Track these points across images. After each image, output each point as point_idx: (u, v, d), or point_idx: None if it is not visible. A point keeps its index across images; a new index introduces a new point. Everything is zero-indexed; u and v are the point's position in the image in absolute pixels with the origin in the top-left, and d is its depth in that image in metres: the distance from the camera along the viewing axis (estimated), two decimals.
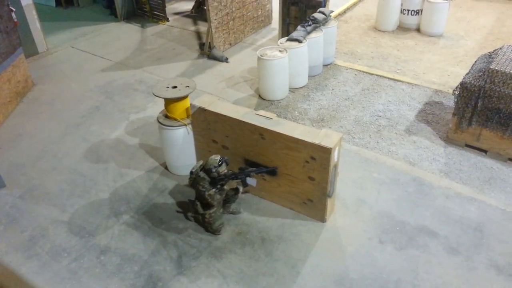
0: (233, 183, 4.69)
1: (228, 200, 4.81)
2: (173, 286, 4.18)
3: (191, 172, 4.62)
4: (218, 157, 4.49)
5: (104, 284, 4.24)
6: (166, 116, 5.29)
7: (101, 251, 4.59)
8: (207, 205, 4.60)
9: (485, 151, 5.74)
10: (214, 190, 4.51)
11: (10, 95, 7.13)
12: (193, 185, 4.63)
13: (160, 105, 6.50)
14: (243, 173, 4.66)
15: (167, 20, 10.64)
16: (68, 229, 4.87)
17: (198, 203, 4.64)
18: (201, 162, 4.68)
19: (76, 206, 5.19)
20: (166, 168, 5.68)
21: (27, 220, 5.01)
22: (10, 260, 4.52)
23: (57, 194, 5.39)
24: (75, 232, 4.83)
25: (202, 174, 4.52)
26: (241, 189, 4.75)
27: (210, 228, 4.69)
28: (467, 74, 5.72)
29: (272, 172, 4.81)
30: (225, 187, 4.63)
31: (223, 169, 4.49)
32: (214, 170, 4.44)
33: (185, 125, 5.21)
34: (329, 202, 4.69)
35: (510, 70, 5.21)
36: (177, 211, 5.02)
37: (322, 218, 4.80)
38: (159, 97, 5.12)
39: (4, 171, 5.68)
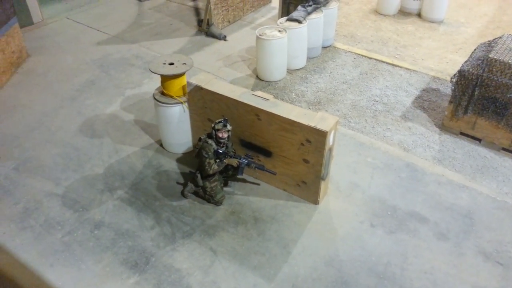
0: (234, 162, 4.72)
1: (227, 176, 4.89)
2: (166, 262, 4.24)
3: (200, 139, 4.69)
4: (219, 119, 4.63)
5: (98, 257, 4.28)
6: (162, 93, 5.26)
7: (95, 225, 4.62)
8: (206, 177, 4.68)
9: (479, 140, 5.78)
10: (214, 159, 4.59)
11: (4, 66, 7.03)
12: (198, 154, 4.69)
13: (156, 82, 6.46)
14: (245, 159, 4.69)
15: None
16: (62, 203, 4.88)
17: (198, 174, 4.73)
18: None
19: (70, 180, 5.19)
20: (161, 145, 5.67)
21: (21, 192, 5.01)
22: (3, 231, 4.53)
23: (51, 167, 5.38)
24: (69, 205, 4.85)
25: (210, 141, 4.60)
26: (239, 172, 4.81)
27: (212, 200, 4.81)
28: (466, 62, 5.71)
29: (269, 154, 4.82)
30: (225, 161, 4.67)
31: (220, 127, 4.52)
32: (213, 125, 4.55)
33: (182, 102, 5.18)
34: (322, 184, 4.73)
35: (509, 60, 5.21)
36: (177, 183, 5.04)
37: (315, 201, 4.84)
38: (155, 73, 5.07)
39: None
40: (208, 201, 4.84)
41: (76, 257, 4.29)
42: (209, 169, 4.61)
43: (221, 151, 4.61)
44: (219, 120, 4.60)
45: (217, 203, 4.81)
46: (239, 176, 4.87)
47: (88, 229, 4.58)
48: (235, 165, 4.71)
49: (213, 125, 4.60)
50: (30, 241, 4.45)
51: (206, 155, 4.58)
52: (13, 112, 6.37)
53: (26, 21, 8.69)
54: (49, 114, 6.35)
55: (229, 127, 4.57)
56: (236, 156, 4.72)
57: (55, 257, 4.29)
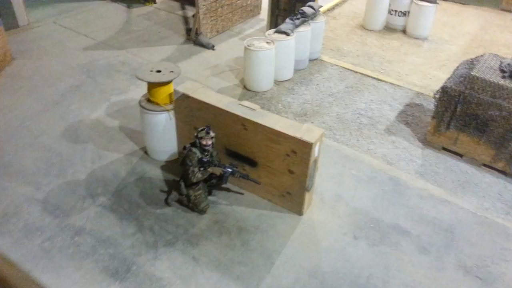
0: (218, 171, 4.72)
1: (211, 185, 4.88)
2: (147, 271, 4.18)
3: (184, 147, 4.69)
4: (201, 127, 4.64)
5: (77, 264, 4.20)
6: (149, 100, 5.23)
7: (75, 231, 4.54)
8: (190, 186, 4.67)
9: (460, 155, 5.89)
10: (198, 167, 4.58)
11: None
12: (182, 162, 4.67)
13: (142, 89, 6.42)
14: (230, 168, 4.69)
15: (154, 2, 10.46)
16: (42, 208, 4.79)
17: (182, 183, 4.70)
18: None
19: (51, 185, 5.10)
20: (145, 152, 5.63)
21: (0, 196, 4.90)
22: None
23: (33, 171, 5.28)
24: (49, 211, 4.76)
25: (194, 149, 4.59)
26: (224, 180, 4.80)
27: (196, 208, 4.77)
28: (449, 78, 5.83)
29: (254, 164, 4.83)
30: (210, 169, 4.67)
31: (203, 135, 4.55)
32: (196, 133, 4.56)
33: (168, 110, 5.16)
34: (307, 196, 4.75)
35: (490, 78, 5.34)
36: (161, 191, 5.00)
37: (299, 211, 4.85)
38: (142, 80, 5.06)
39: None
40: (192, 210, 4.81)
41: (55, 263, 4.20)
42: (192, 177, 4.59)
43: (205, 160, 4.60)
44: (201, 128, 4.60)
45: (201, 212, 4.78)
46: (223, 185, 4.86)
47: (69, 235, 4.49)
48: (218, 174, 4.70)
49: (195, 133, 4.60)
50: (8, 246, 4.34)
51: (190, 163, 4.57)
52: None
53: (11, 24, 8.59)
54: (32, 118, 6.25)
55: (212, 134, 4.58)
56: (221, 165, 4.71)
57: (34, 263, 4.19)
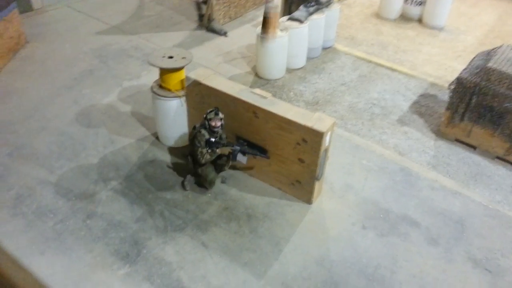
0: (226, 151, 4.76)
1: (219, 165, 4.89)
2: (157, 254, 4.23)
3: (194, 127, 4.72)
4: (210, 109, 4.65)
5: (89, 247, 4.27)
6: (160, 86, 5.24)
7: (87, 215, 4.60)
8: (197, 163, 4.74)
9: (474, 147, 5.82)
10: (206, 149, 4.62)
11: (1, 51, 6.97)
12: (192, 140, 4.72)
13: (154, 74, 6.42)
14: (238, 145, 4.74)
15: None
16: (55, 191, 4.86)
17: (190, 158, 4.79)
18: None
19: (64, 169, 5.16)
20: (157, 138, 5.66)
21: (14, 179, 4.98)
22: None
23: (46, 155, 5.35)
24: (62, 194, 4.83)
25: (203, 131, 4.61)
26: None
27: (205, 182, 4.82)
28: (464, 69, 5.74)
29: (263, 151, 4.83)
30: (218, 151, 4.71)
31: (212, 116, 4.56)
32: (205, 115, 4.57)
33: (179, 96, 5.17)
34: (316, 185, 4.74)
35: (507, 70, 5.24)
36: (172, 175, 5.04)
37: (308, 200, 4.85)
38: (154, 66, 5.06)
39: None
40: (202, 185, 4.86)
41: (67, 245, 4.28)
42: (201, 159, 4.64)
43: (213, 140, 4.62)
44: (210, 109, 4.61)
45: (210, 183, 4.82)
46: (233, 162, 4.86)
47: (81, 218, 4.56)
48: (227, 153, 4.73)
49: (205, 115, 4.61)
50: (22, 227, 4.43)
51: (199, 144, 4.61)
52: (9, 98, 6.33)
53: (26, 7, 8.62)
54: (45, 101, 6.31)
55: (221, 115, 4.60)
56: (229, 144, 4.73)
57: (46, 245, 4.27)
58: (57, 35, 8.10)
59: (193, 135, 4.69)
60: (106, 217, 4.59)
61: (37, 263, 4.09)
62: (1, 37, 6.92)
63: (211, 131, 4.62)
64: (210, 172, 4.81)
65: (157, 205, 4.75)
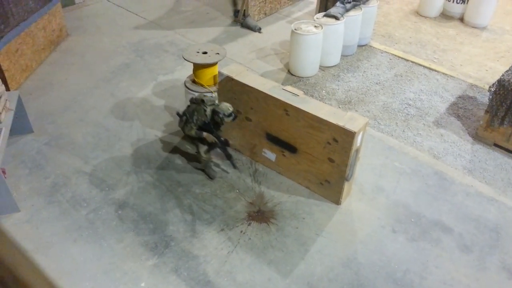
0: (211, 139, 4.82)
1: (209, 145, 4.93)
2: (185, 247, 4.30)
3: (203, 100, 4.73)
4: (231, 109, 4.64)
5: (120, 237, 4.39)
6: (194, 81, 5.30)
7: (119, 205, 4.73)
8: (198, 139, 4.85)
9: None
10: (195, 129, 4.72)
11: (44, 43, 7.24)
12: (190, 104, 4.81)
13: (188, 69, 6.51)
14: (222, 143, 4.78)
15: None
16: (89, 181, 5.02)
17: (184, 117, 4.82)
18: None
19: (99, 159, 5.32)
20: None
21: (51, 167, 5.18)
22: (32, 203, 4.70)
23: (82, 145, 5.53)
24: (96, 184, 4.98)
25: (208, 111, 4.66)
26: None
27: (200, 158, 4.97)
28: (507, 71, 5.50)
29: (294, 150, 4.80)
30: (204, 134, 4.77)
31: (229, 120, 4.63)
32: (221, 115, 4.59)
33: (211, 92, 5.21)
34: (346, 185, 4.68)
35: None
36: (196, 168, 5.10)
37: (337, 201, 4.80)
38: (188, 61, 5.12)
39: (32, 117, 5.83)
40: (199, 161, 5.03)
41: (99, 234, 4.41)
42: (187, 130, 4.77)
43: (207, 124, 4.67)
44: (231, 113, 4.61)
45: (207, 161, 4.96)
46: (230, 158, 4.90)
47: (113, 208, 4.69)
48: (210, 141, 4.81)
49: (221, 115, 4.60)
50: (56, 215, 4.60)
51: (194, 115, 4.67)
52: (50, 89, 6.57)
53: (68, 1, 8.92)
54: (83, 93, 6.52)
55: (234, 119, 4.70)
56: (218, 137, 4.75)
57: (79, 233, 4.42)
58: (97, 29, 8.33)
59: (197, 101, 4.72)
60: (137, 208, 4.70)
61: (70, 250, 4.24)
62: (44, 30, 7.18)
63: (216, 122, 4.68)
64: (206, 152, 4.93)
65: (186, 199, 4.82)
